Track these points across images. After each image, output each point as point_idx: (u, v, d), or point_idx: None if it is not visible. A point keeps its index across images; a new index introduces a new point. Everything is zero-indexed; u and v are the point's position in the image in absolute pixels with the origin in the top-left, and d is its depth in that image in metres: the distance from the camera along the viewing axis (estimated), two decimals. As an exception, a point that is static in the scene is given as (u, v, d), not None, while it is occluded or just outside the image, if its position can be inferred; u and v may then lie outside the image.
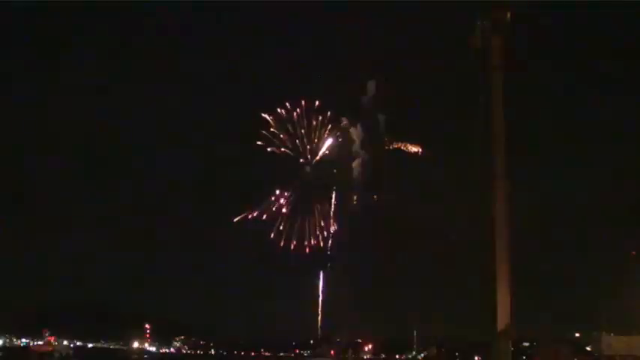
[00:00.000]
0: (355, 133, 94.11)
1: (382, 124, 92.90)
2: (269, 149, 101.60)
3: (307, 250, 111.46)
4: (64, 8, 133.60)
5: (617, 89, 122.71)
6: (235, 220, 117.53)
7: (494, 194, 23.05)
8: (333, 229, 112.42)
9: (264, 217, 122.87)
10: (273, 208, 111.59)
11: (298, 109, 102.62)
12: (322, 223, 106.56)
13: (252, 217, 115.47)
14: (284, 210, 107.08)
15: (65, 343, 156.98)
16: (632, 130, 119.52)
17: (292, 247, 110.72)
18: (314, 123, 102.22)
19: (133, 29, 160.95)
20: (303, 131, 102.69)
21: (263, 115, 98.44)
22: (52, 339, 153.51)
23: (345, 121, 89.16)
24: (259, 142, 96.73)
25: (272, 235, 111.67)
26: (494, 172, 23.02)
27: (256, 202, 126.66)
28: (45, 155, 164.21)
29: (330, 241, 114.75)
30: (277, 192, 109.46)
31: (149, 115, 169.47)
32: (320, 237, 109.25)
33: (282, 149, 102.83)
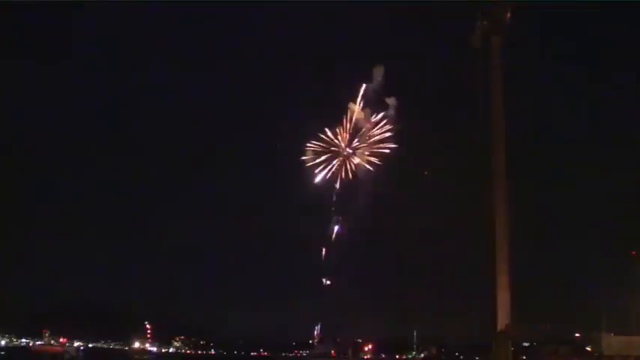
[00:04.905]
0: (363, 117, 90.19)
1: (392, 109, 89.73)
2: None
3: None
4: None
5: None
6: None
7: (494, 194, 22.90)
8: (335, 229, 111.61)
9: None
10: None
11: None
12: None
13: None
14: None
15: (75, 344, 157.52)
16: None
17: None
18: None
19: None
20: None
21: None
22: (64, 340, 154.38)
23: (353, 107, 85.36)
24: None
25: None
26: (494, 172, 22.89)
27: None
28: (45, 156, 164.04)
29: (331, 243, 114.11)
30: None
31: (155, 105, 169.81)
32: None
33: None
